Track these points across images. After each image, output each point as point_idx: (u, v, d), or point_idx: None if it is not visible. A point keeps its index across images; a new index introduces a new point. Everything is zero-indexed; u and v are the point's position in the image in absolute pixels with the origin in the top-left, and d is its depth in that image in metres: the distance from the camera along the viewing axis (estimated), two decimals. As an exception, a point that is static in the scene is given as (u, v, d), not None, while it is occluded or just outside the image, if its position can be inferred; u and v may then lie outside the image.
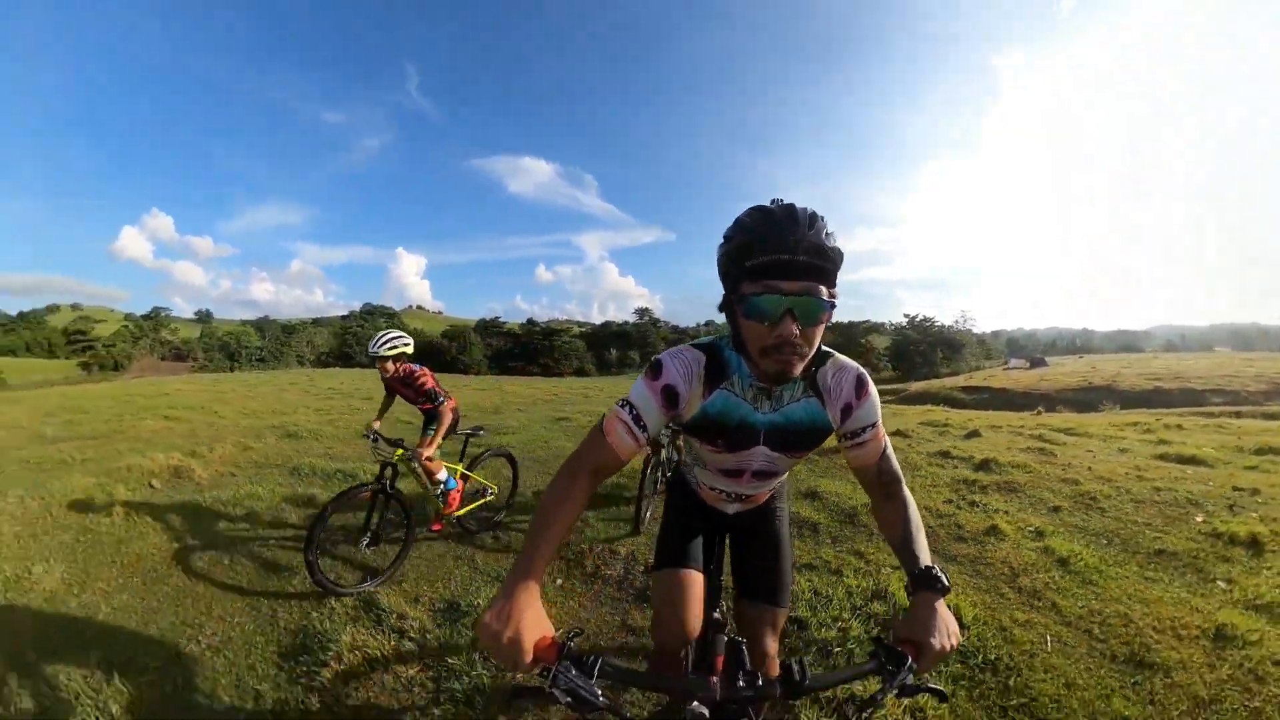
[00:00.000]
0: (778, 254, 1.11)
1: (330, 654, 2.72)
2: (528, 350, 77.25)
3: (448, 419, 3.97)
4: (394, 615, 3.08)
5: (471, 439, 4.47)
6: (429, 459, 3.80)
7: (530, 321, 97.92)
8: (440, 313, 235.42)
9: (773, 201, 1.20)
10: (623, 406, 1.34)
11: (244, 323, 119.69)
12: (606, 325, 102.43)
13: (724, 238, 1.24)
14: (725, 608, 1.96)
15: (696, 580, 1.70)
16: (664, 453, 4.50)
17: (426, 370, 4.11)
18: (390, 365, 3.92)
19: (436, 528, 4.21)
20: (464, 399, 14.43)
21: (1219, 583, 3.42)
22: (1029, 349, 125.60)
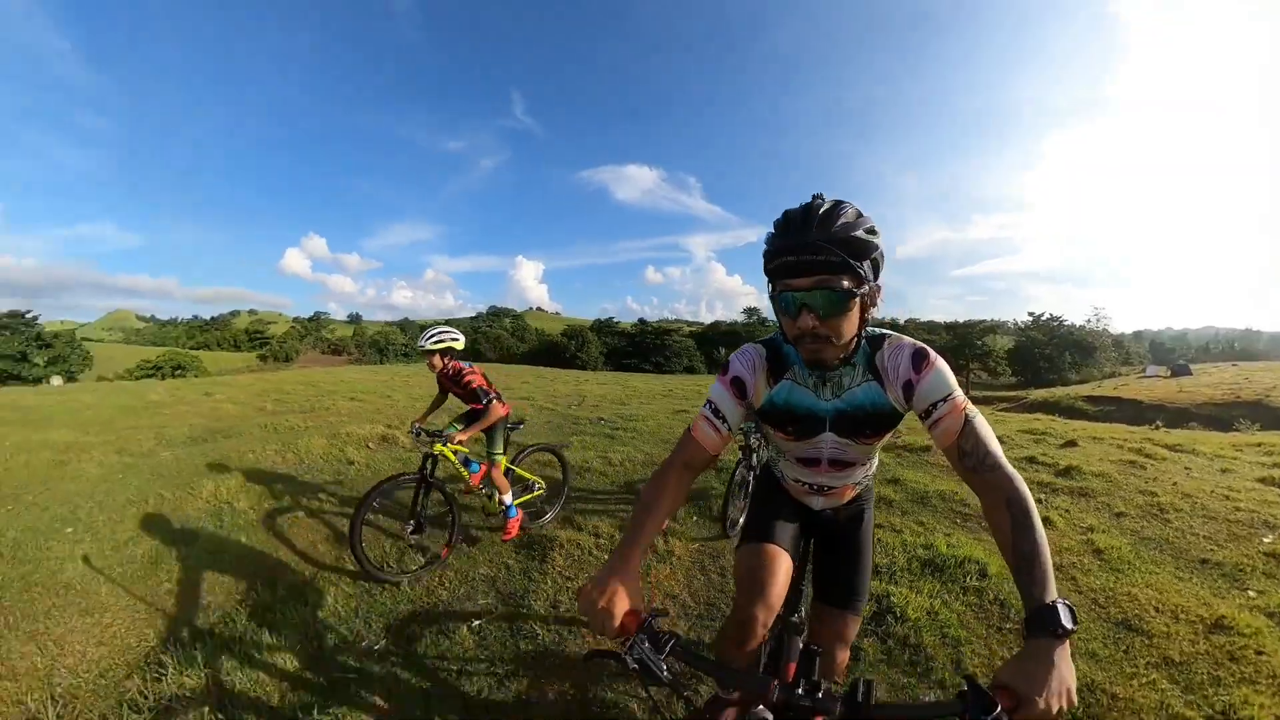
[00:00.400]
0: (786, 256, 1.23)
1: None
2: (640, 348, 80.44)
3: (493, 419, 3.91)
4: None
5: (512, 432, 4.37)
6: (493, 465, 3.97)
7: (642, 321, 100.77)
8: (558, 313, 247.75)
9: (815, 197, 1.29)
10: (705, 406, 1.48)
11: (388, 324, 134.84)
12: (715, 325, 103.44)
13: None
14: (804, 613, 1.96)
15: (782, 558, 1.69)
16: (754, 456, 4.39)
17: (476, 369, 4.01)
18: (438, 360, 3.83)
19: (507, 538, 4.07)
20: (593, 392, 15.98)
21: (1249, 592, 3.44)
22: (1176, 353, 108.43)
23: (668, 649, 1.06)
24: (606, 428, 8.93)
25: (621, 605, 1.12)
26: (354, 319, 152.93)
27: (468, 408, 4.18)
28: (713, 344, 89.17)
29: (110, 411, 9.89)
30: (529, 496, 4.46)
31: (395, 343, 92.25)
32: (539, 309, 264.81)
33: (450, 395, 4.22)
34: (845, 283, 1.21)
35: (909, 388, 1.36)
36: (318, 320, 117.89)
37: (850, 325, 1.28)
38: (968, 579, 3.47)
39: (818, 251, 1.19)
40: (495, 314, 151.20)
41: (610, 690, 2.56)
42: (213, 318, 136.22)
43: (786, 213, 1.28)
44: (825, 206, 1.23)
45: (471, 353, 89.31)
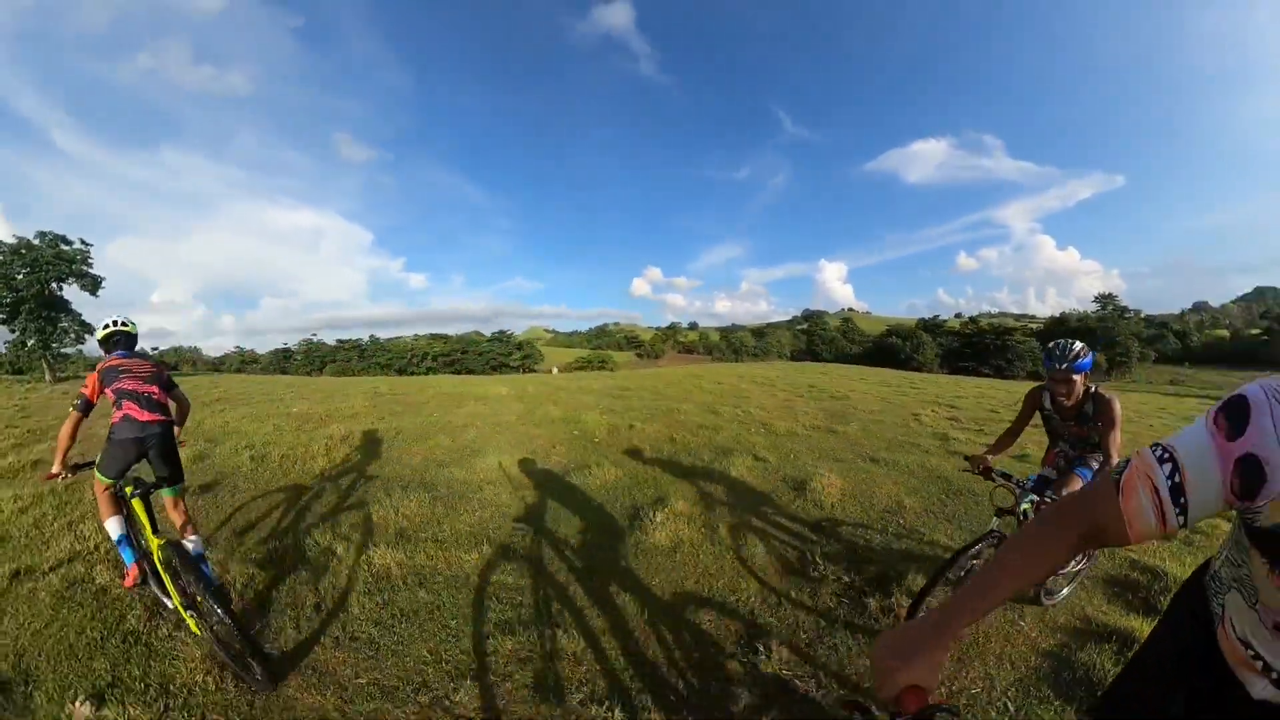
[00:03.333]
0: None
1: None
2: (976, 349, 72.76)
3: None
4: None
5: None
6: None
7: (971, 320, 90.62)
8: (869, 313, 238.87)
9: None
10: (1160, 460, 0.92)
11: (718, 329, 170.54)
12: (1062, 320, 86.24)
13: None
14: None
15: None
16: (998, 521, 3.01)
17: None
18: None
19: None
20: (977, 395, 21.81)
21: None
22: None
23: None
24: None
25: (911, 674, 0.92)
26: (693, 326, 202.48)
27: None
28: (1059, 344, 79.77)
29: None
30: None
31: (747, 345, 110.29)
32: (850, 309, 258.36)
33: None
34: None
35: None
36: (673, 328, 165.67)
37: None
38: None
39: None
40: (809, 317, 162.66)
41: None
42: (590, 329, 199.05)
43: None
44: None
45: (809, 353, 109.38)
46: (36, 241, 23.53)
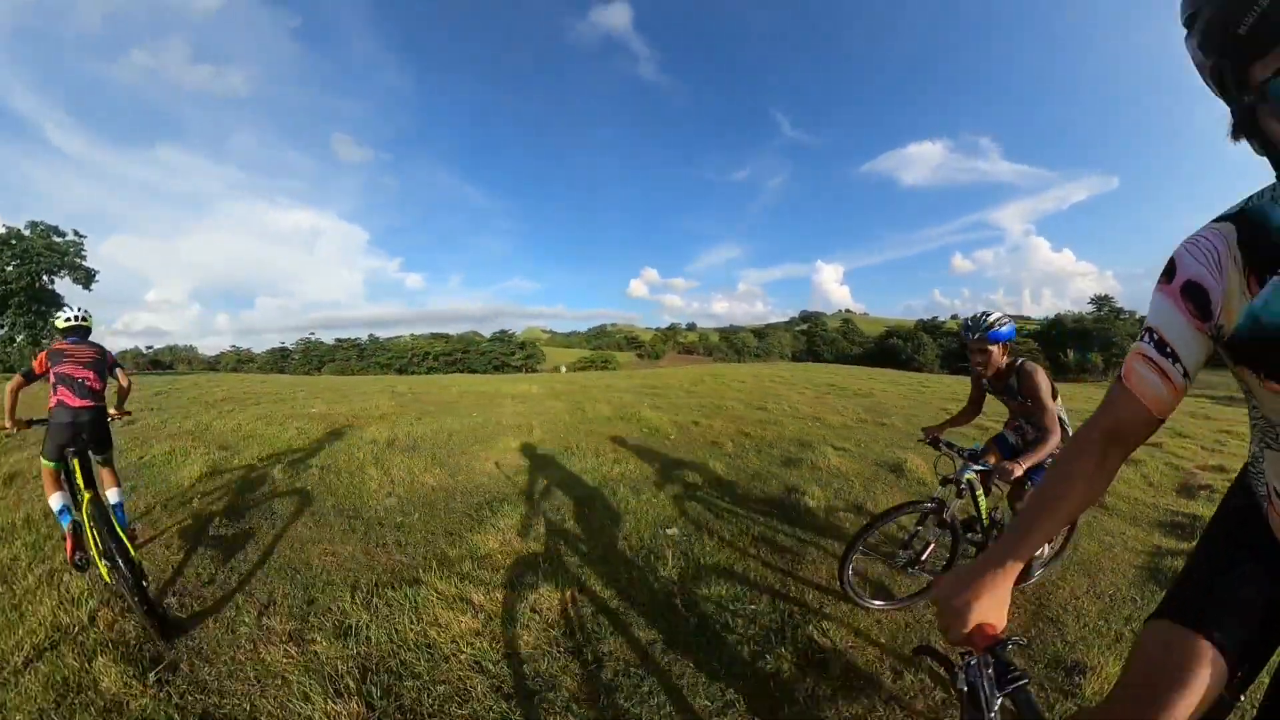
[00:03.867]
0: None
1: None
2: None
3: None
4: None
5: None
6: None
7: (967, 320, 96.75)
8: (866, 314, 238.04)
9: None
10: (1140, 337, 0.99)
11: (716, 330, 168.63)
12: (1057, 321, 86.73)
13: (1184, 20, 0.86)
14: None
15: (1213, 664, 1.00)
16: (953, 505, 3.02)
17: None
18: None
19: None
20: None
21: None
22: None
23: (1010, 687, 0.88)
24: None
25: (979, 613, 0.92)
26: (691, 327, 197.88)
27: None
28: (1058, 345, 77.43)
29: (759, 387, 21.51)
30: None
31: (749, 345, 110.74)
32: (848, 310, 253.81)
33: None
34: None
35: None
36: (673, 329, 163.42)
37: None
38: None
39: None
40: (807, 318, 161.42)
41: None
42: (589, 330, 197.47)
43: None
44: None
45: (809, 354, 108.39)
46: (27, 233, 21.85)
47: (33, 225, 22.35)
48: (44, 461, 3.52)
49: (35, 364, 3.68)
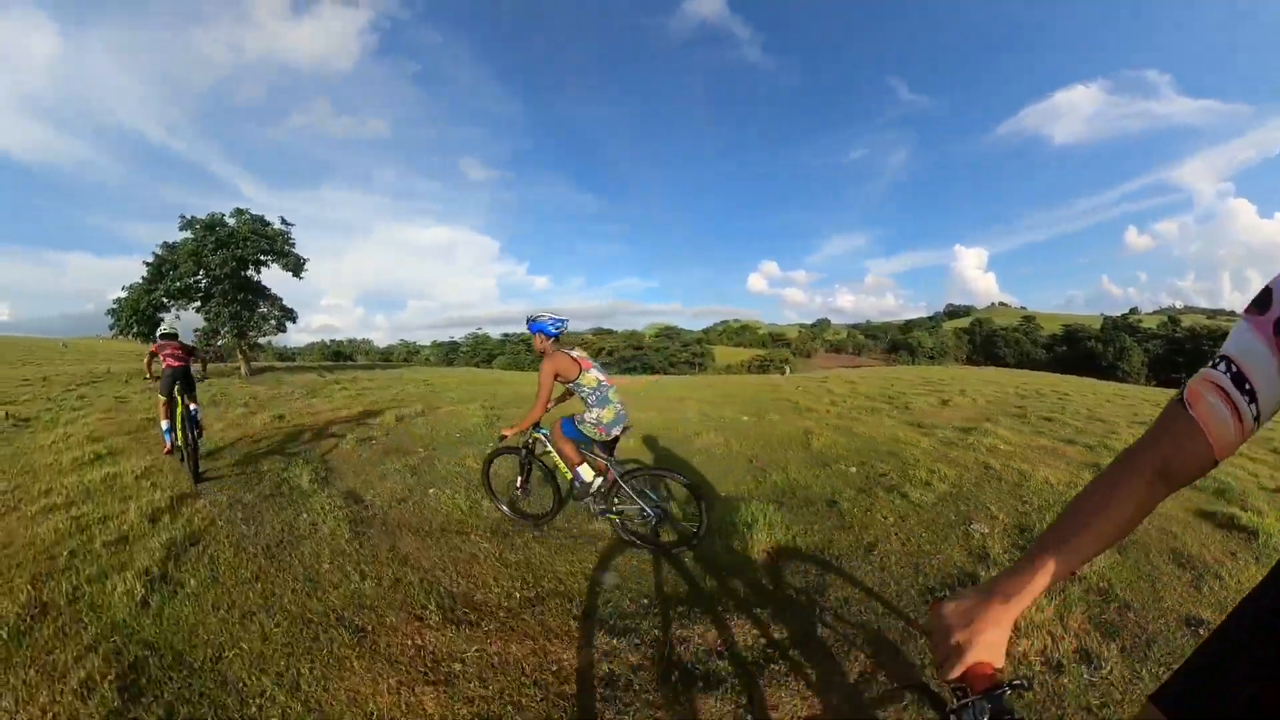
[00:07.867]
0: None
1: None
2: (1191, 357, 61.83)
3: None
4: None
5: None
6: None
7: (1171, 319, 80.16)
8: (1023, 307, 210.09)
9: None
10: (1214, 365, 0.86)
11: (846, 326, 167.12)
12: None
13: None
14: None
15: None
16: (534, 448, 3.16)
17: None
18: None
19: None
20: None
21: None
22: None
23: None
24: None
25: (980, 651, 0.81)
26: (822, 324, 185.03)
27: None
28: None
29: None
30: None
31: (924, 345, 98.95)
32: (1001, 304, 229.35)
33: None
34: None
35: None
36: (820, 325, 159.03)
37: None
38: None
39: None
40: (954, 312, 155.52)
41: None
42: (708, 329, 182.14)
43: None
44: None
45: (986, 356, 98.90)
46: (232, 221, 21.15)
47: (238, 213, 21.57)
48: (159, 396, 6.28)
49: (153, 348, 6.55)
